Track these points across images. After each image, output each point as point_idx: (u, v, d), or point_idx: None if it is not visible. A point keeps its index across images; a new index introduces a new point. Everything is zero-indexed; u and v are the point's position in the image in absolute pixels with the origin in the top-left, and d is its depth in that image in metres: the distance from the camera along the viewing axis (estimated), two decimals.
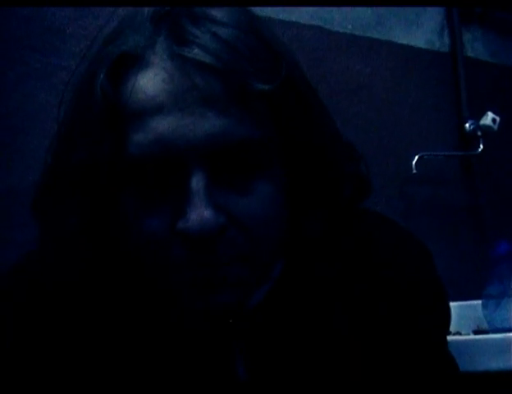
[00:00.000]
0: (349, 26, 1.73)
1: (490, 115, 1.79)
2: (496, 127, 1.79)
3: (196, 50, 0.56)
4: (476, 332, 1.49)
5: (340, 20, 1.71)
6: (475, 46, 1.96)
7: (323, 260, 0.69)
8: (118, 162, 0.58)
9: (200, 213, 0.55)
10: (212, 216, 0.55)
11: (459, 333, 1.48)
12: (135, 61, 0.59)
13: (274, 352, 0.66)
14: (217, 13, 0.60)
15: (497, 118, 1.79)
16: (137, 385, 0.64)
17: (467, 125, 1.83)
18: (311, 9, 1.66)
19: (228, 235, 0.58)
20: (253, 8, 0.66)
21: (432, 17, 1.89)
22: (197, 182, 0.56)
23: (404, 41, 1.82)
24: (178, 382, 0.64)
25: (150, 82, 0.57)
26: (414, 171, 1.67)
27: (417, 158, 1.68)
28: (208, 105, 0.56)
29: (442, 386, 0.72)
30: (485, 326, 1.46)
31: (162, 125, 0.56)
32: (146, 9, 0.61)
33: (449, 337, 0.77)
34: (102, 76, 0.59)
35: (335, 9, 1.70)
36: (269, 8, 1.56)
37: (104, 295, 0.65)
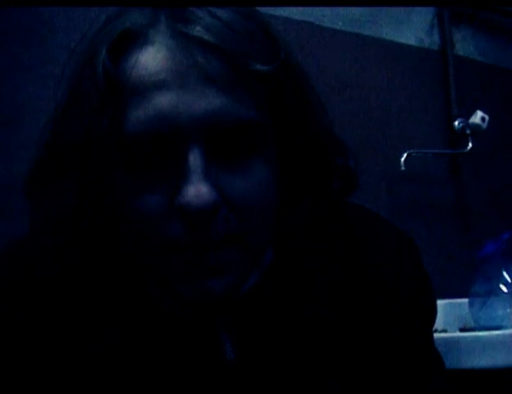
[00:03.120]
0: (340, 23, 1.73)
1: (479, 113, 1.79)
2: (484, 126, 1.80)
3: (199, 28, 0.57)
4: (462, 330, 1.50)
5: (330, 16, 1.71)
6: (465, 45, 1.97)
7: (311, 250, 0.69)
8: (116, 138, 0.58)
9: (198, 188, 0.55)
10: (209, 191, 0.56)
11: (445, 331, 1.48)
12: (137, 39, 0.59)
13: (262, 337, 0.66)
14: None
15: (486, 117, 1.79)
16: (126, 368, 0.64)
17: (456, 123, 1.83)
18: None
19: (222, 215, 0.58)
20: None
21: (423, 15, 1.90)
22: (195, 158, 0.56)
23: (394, 38, 1.83)
24: (167, 364, 0.64)
25: (152, 59, 0.57)
26: (403, 168, 1.68)
27: (405, 155, 1.68)
28: (209, 83, 0.56)
29: (429, 381, 0.72)
30: (471, 324, 1.47)
31: (162, 101, 0.56)
32: None
33: (435, 335, 0.77)
34: (103, 52, 0.59)
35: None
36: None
37: (97, 280, 0.65)
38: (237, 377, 0.65)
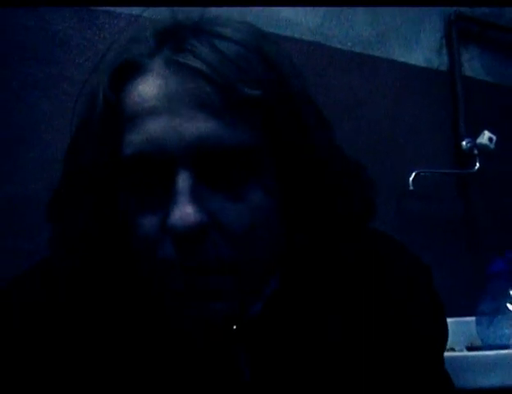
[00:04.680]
0: (349, 43, 1.75)
1: (487, 134, 1.80)
2: (492, 146, 1.80)
3: (190, 57, 0.59)
4: (469, 349, 1.49)
5: (340, 37, 1.73)
6: (473, 65, 1.98)
7: (321, 274, 0.69)
8: (116, 163, 0.61)
9: (182, 209, 0.57)
10: (195, 213, 0.57)
11: (452, 349, 1.48)
12: (137, 69, 0.62)
13: (276, 357, 0.67)
14: (225, 30, 0.62)
15: (494, 137, 1.80)
16: (143, 389, 0.65)
17: (464, 143, 1.84)
18: (311, 25, 1.68)
19: (211, 239, 0.59)
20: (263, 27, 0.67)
21: (431, 36, 1.91)
22: (182, 181, 0.58)
23: (403, 59, 1.84)
24: (184, 386, 0.65)
25: (146, 87, 0.60)
26: (411, 187, 1.68)
27: (414, 174, 1.69)
28: (199, 109, 0.58)
29: None
30: (478, 342, 1.46)
31: (153, 125, 0.59)
32: (152, 26, 0.65)
33: None
34: (105, 83, 0.62)
35: (335, 26, 1.72)
36: (269, 22, 1.58)
37: (114, 299, 0.66)
38: None
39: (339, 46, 1.73)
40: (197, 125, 0.58)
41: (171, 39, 0.62)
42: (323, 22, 1.71)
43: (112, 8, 1.38)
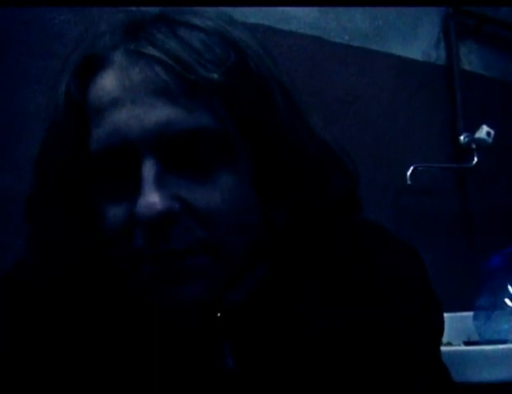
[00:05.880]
0: (347, 37, 1.74)
1: (485, 128, 1.80)
2: (490, 140, 1.80)
3: (148, 46, 0.60)
4: (467, 344, 1.49)
5: (337, 30, 1.73)
6: (471, 59, 1.98)
7: (308, 262, 0.69)
8: (86, 158, 0.61)
9: (147, 198, 0.57)
10: (161, 201, 0.57)
11: (450, 344, 1.48)
12: (100, 63, 0.62)
13: (262, 347, 0.66)
14: (193, 19, 0.63)
15: (492, 131, 1.80)
16: (125, 375, 0.65)
17: (461, 137, 1.84)
18: (309, 19, 1.68)
19: (184, 224, 0.59)
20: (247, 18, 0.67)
21: (429, 30, 1.91)
22: (147, 170, 0.58)
23: (400, 53, 1.84)
24: (167, 372, 0.65)
25: (108, 79, 0.61)
26: (409, 182, 1.68)
27: (411, 169, 1.69)
28: (158, 96, 0.59)
29: None
30: (476, 337, 1.46)
31: (117, 117, 0.59)
32: (120, 19, 0.65)
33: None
34: (69, 80, 0.63)
35: (332, 19, 1.72)
36: (267, 17, 1.57)
37: (94, 294, 0.66)
38: (236, 386, 0.66)
39: (336, 40, 1.72)
40: (156, 113, 0.59)
41: (135, 31, 0.62)
42: (321, 16, 1.70)
43: None
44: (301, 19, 1.67)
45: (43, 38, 1.30)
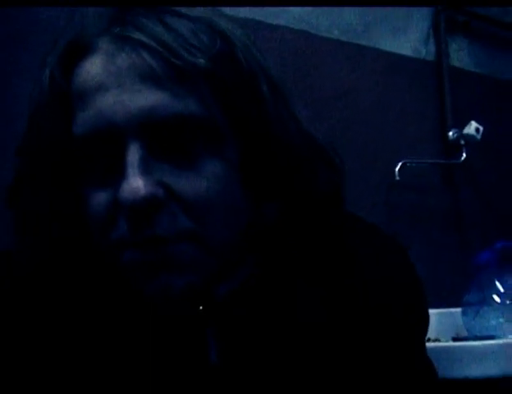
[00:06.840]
0: (336, 32, 1.74)
1: (473, 124, 1.80)
2: (479, 137, 1.80)
3: (134, 31, 0.60)
4: (455, 340, 1.50)
5: (326, 25, 1.72)
6: (460, 56, 1.98)
7: (299, 256, 0.68)
8: (71, 143, 0.61)
9: (131, 183, 0.57)
10: (145, 186, 0.57)
11: (438, 340, 1.48)
12: (85, 49, 0.62)
13: (247, 342, 0.66)
14: (185, 9, 0.63)
15: (481, 128, 1.80)
16: (109, 368, 0.64)
17: (450, 133, 1.84)
18: (298, 13, 1.67)
19: (168, 211, 0.59)
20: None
21: (419, 26, 1.90)
22: (132, 155, 0.58)
23: (390, 48, 1.83)
24: (150, 365, 0.64)
25: (94, 64, 0.61)
26: (397, 177, 1.68)
27: (400, 164, 1.69)
28: (144, 81, 0.59)
29: (420, 390, 0.72)
30: (464, 333, 1.47)
31: (102, 101, 0.59)
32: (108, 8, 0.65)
33: (428, 344, 0.77)
34: (53, 65, 0.63)
35: (322, 14, 1.71)
36: (257, 11, 1.56)
37: (79, 282, 0.65)
38: (220, 381, 0.65)
39: (326, 35, 1.71)
40: (142, 98, 0.58)
41: (121, 17, 0.62)
42: (310, 11, 1.69)
43: None
44: (290, 13, 1.66)
45: (34, 29, 1.28)
